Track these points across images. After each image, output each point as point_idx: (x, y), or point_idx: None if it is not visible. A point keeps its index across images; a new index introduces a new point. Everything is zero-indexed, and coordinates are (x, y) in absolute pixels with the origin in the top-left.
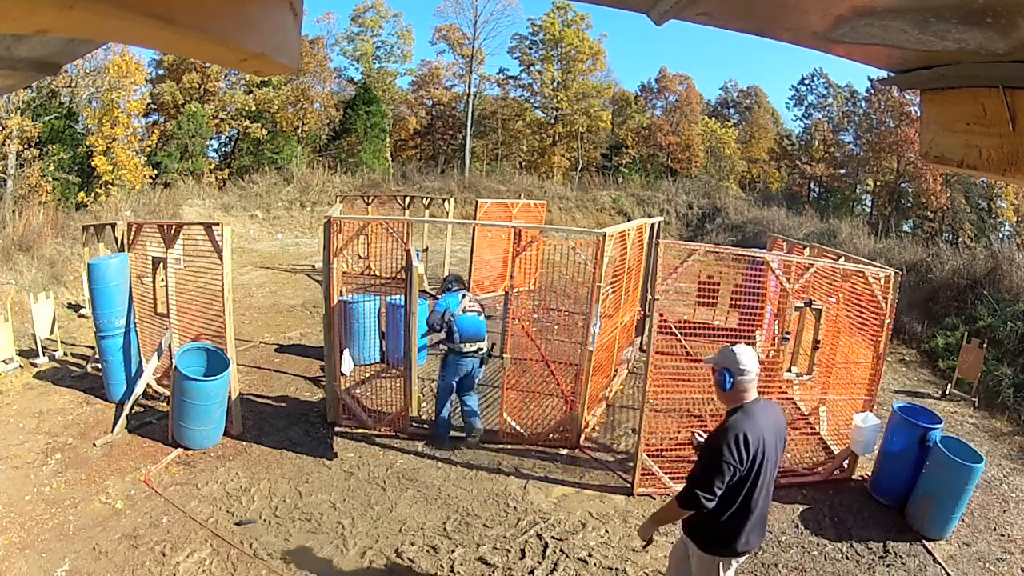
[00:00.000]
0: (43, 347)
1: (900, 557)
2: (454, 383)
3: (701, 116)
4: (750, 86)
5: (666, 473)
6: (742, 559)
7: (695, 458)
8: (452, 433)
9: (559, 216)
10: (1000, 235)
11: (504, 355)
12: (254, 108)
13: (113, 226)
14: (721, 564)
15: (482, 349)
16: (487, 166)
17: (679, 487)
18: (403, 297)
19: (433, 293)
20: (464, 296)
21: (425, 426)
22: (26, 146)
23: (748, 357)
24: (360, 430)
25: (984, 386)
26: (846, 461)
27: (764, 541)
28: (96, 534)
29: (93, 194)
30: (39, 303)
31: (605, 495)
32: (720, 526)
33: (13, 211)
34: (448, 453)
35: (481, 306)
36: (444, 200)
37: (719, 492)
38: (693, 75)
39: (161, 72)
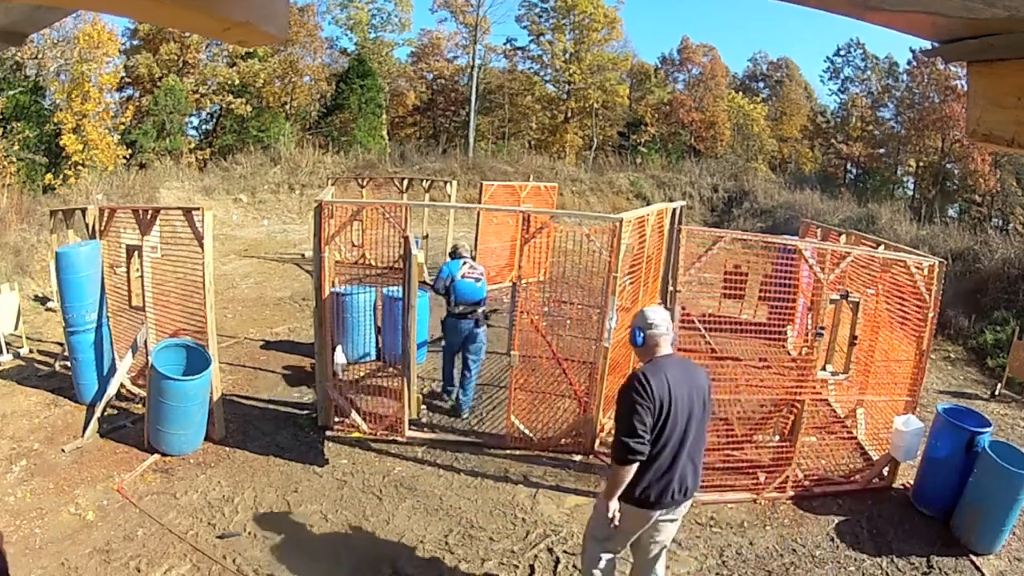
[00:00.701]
0: (6, 344)
1: (945, 573)
2: (456, 348)
3: (727, 91)
4: (780, 58)
5: None
6: (666, 514)
7: (720, 465)
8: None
9: (572, 200)
10: None
11: (511, 352)
12: (238, 82)
13: (83, 211)
14: (641, 516)
15: (475, 312)
16: (493, 145)
17: (704, 496)
18: (401, 289)
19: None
20: (465, 263)
21: (425, 429)
22: None
23: (657, 313)
24: (354, 434)
25: None
26: (886, 468)
27: (797, 557)
28: (65, 548)
29: (62, 176)
30: (2, 295)
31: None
32: (635, 478)
33: None
34: (451, 459)
35: (481, 273)
36: (446, 183)
37: (645, 435)
38: (718, 46)
39: (136, 42)
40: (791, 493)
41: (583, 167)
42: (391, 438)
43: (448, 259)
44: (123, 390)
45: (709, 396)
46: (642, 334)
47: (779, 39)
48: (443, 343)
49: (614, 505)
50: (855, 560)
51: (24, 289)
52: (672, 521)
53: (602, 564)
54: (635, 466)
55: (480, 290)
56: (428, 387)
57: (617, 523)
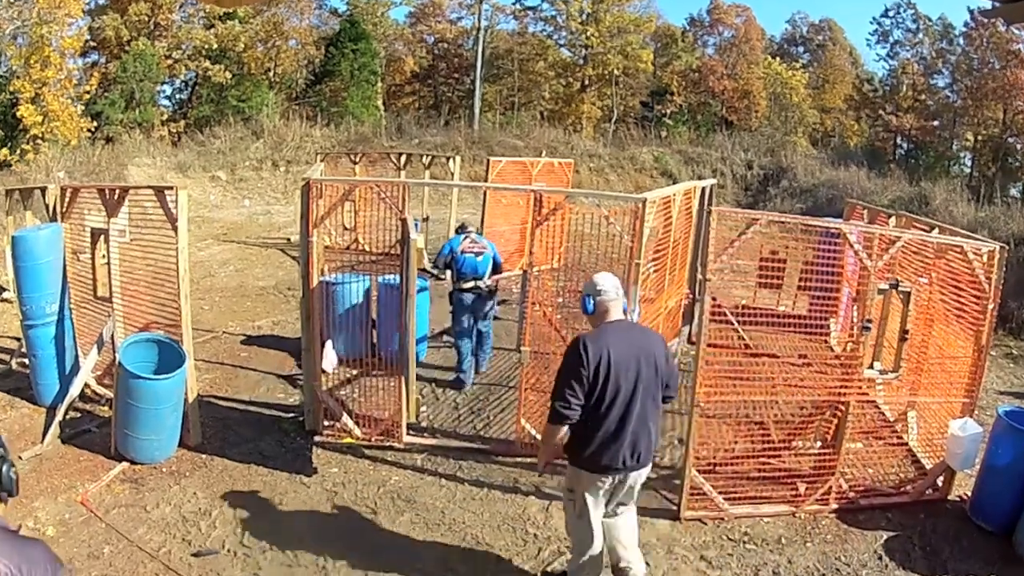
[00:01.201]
0: None
1: None
2: (466, 323)
3: (763, 56)
4: (823, 19)
5: (721, 492)
6: (621, 480)
7: (755, 474)
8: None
9: (589, 178)
10: None
11: (521, 348)
12: (215, 46)
13: (43, 190)
14: (586, 478)
15: (479, 285)
16: (501, 117)
17: (737, 509)
18: (398, 276)
19: (436, 273)
20: (466, 237)
21: (425, 434)
22: None
23: (607, 279)
24: (346, 440)
25: None
26: (940, 478)
27: None
28: None
29: (19, 151)
30: None
31: (646, 520)
32: (580, 442)
33: None
34: (454, 468)
35: (483, 247)
36: (448, 158)
37: (574, 400)
38: (752, 5)
39: (102, 2)
40: (834, 506)
41: (602, 141)
42: (387, 444)
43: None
44: (87, 390)
45: (666, 361)
46: (592, 301)
47: None
48: (451, 316)
49: (543, 459)
50: None
51: None
52: (630, 488)
53: (593, 549)
54: (563, 427)
55: (481, 264)
56: (429, 387)
57: (542, 470)
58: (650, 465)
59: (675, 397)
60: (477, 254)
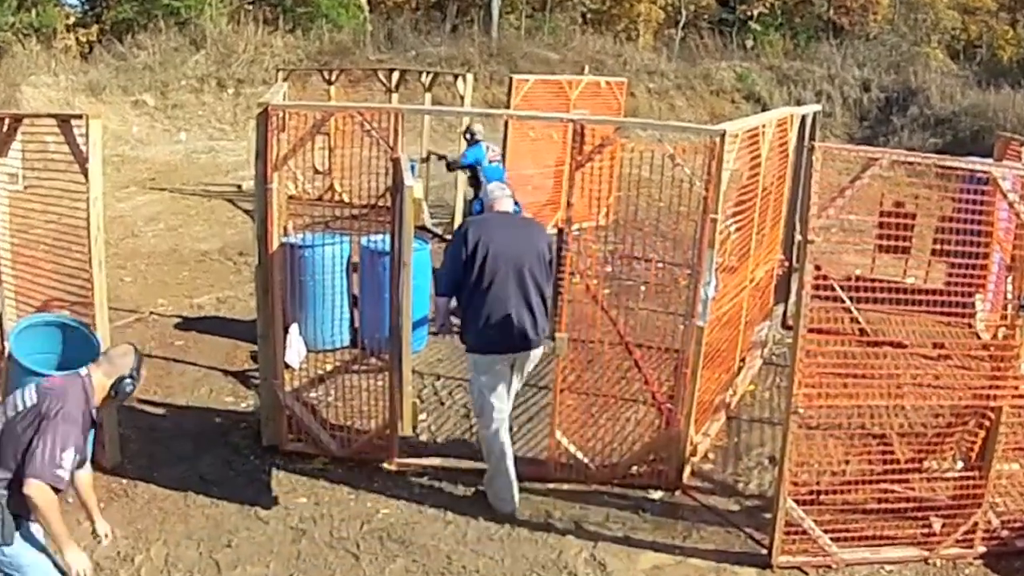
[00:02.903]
0: None
1: None
2: None
3: None
4: None
5: (827, 531)
6: (510, 361)
7: (873, 506)
8: None
9: (648, 103)
10: None
11: (556, 335)
12: None
13: None
14: (488, 362)
15: None
16: (528, 20)
17: (849, 554)
18: (388, 238)
19: (439, 232)
20: (488, 147)
21: (426, 452)
22: None
23: (498, 187)
24: (318, 459)
25: None
26: None
27: None
28: None
29: None
30: None
31: (726, 567)
32: (468, 326)
33: None
34: (463, 497)
35: (498, 154)
36: (457, 77)
37: (447, 281)
38: None
39: None
40: (981, 549)
41: (665, 54)
42: (374, 465)
43: (469, 145)
44: None
45: (548, 249)
46: (480, 204)
47: None
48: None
49: (435, 326)
50: None
51: None
52: (519, 370)
53: (493, 425)
54: (444, 299)
55: (504, 171)
56: (431, 388)
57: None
58: (541, 348)
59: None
60: (499, 162)
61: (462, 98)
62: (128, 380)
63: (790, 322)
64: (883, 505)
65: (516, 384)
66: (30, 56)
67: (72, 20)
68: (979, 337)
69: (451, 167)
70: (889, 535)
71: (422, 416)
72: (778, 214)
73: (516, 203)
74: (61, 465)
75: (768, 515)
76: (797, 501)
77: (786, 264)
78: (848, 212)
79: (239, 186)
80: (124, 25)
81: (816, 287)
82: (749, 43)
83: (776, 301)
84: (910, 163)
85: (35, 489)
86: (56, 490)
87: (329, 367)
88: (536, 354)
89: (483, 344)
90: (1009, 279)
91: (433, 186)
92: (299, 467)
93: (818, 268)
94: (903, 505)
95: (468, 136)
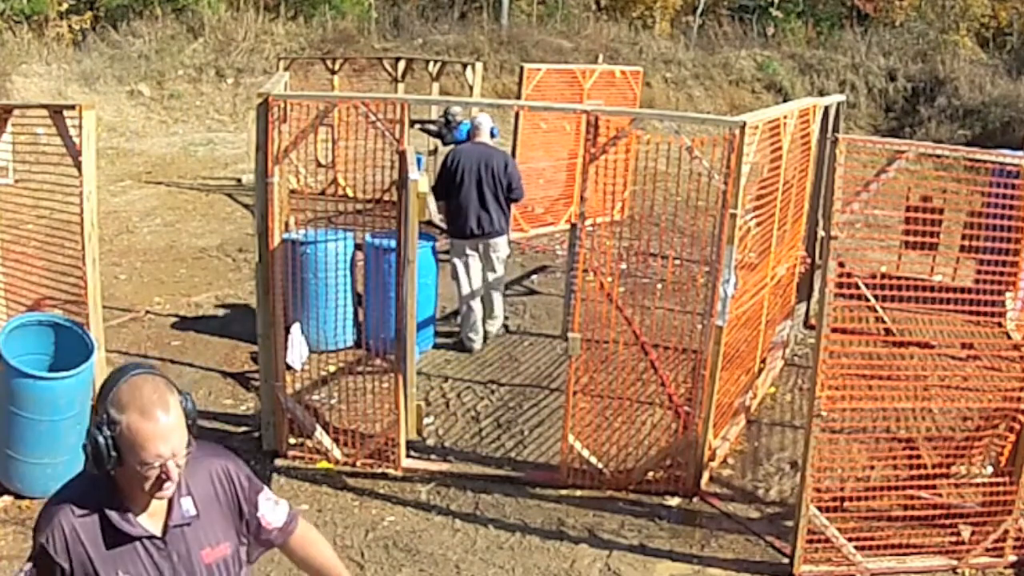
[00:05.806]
0: None
1: None
2: None
3: None
4: None
5: (851, 539)
6: (475, 245)
7: (899, 513)
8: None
9: (664, 93)
10: None
11: (569, 334)
12: None
13: None
14: (455, 245)
15: None
16: (540, 7)
17: (874, 563)
18: (394, 234)
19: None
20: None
21: (433, 457)
22: None
23: (484, 118)
24: (321, 465)
25: None
26: None
27: None
28: None
29: None
30: None
31: None
32: (449, 219)
33: None
34: (472, 504)
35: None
36: (466, 66)
37: (439, 189)
38: None
39: None
40: (1012, 558)
41: (683, 42)
42: (379, 471)
43: (451, 128)
44: None
45: (504, 169)
46: (466, 130)
47: None
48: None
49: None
50: None
51: None
52: (479, 253)
53: (464, 292)
54: (441, 202)
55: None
56: (438, 390)
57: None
58: (502, 238)
59: (520, 198)
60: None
61: (471, 88)
62: None
63: (812, 321)
64: (909, 512)
65: (490, 273)
66: (21, 44)
67: (64, 7)
68: (1009, 337)
69: (445, 142)
70: (916, 543)
71: (429, 420)
72: (800, 209)
73: (494, 129)
74: None
75: (790, 523)
76: (820, 508)
77: (808, 261)
78: (873, 207)
79: (239, 180)
80: (119, 12)
81: (840, 285)
82: (770, 31)
83: (798, 299)
84: (938, 156)
85: None
86: None
87: (332, 368)
88: (497, 242)
89: (455, 231)
90: None
91: None
92: (301, 472)
93: (842, 265)
94: (930, 512)
95: (448, 118)
